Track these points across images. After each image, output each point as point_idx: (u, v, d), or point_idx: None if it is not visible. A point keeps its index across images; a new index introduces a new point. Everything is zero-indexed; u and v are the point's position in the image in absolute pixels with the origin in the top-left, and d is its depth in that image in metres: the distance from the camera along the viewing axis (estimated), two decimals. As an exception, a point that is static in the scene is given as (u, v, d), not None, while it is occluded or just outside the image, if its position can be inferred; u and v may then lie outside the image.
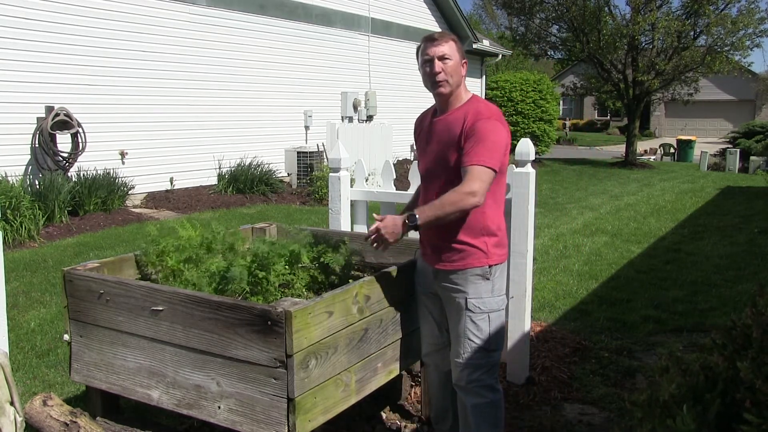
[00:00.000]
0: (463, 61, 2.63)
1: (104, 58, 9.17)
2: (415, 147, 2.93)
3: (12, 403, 2.53)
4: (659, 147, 24.84)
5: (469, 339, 2.58)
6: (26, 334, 4.51)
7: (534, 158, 3.54)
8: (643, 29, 17.01)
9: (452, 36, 2.65)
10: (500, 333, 2.67)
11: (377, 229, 2.51)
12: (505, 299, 2.71)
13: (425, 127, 2.74)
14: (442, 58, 2.55)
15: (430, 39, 2.60)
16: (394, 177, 4.11)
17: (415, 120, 2.89)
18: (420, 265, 2.81)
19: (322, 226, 6.51)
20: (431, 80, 2.58)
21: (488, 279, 2.58)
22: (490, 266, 2.58)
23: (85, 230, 7.89)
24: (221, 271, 2.71)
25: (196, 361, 2.39)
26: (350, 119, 13.08)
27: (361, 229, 4.21)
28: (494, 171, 2.46)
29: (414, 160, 3.65)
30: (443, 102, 2.64)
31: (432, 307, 2.78)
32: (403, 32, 15.32)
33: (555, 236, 8.10)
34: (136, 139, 9.70)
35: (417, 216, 2.45)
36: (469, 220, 2.55)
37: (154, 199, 9.88)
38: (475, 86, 17.91)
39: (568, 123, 37.44)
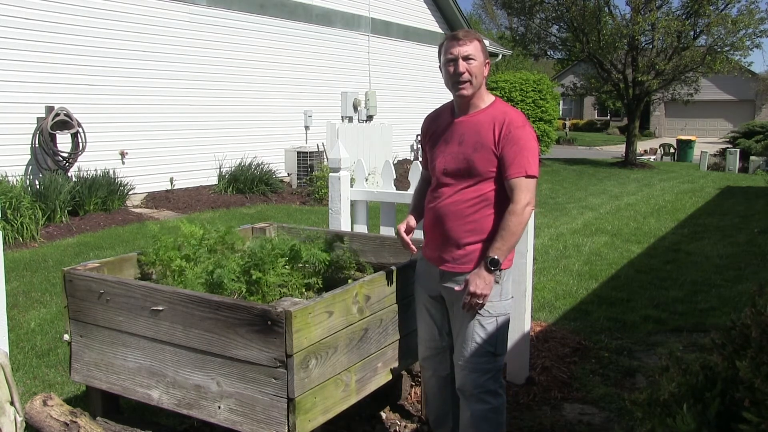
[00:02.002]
0: (487, 61, 2.58)
1: (104, 58, 9.17)
2: (422, 145, 2.83)
3: (12, 403, 2.54)
4: (659, 147, 24.85)
5: (477, 343, 2.54)
6: (26, 334, 4.52)
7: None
8: (643, 29, 17.01)
9: (477, 35, 2.58)
10: (506, 337, 2.64)
11: (473, 295, 2.47)
12: (512, 304, 2.66)
13: (442, 127, 2.67)
14: (466, 59, 2.50)
15: (454, 38, 2.54)
16: (394, 177, 4.11)
17: (424, 118, 2.82)
18: (422, 267, 2.76)
19: (322, 226, 6.51)
20: (453, 80, 2.53)
21: (498, 283, 2.55)
22: (500, 270, 2.54)
23: (85, 230, 7.90)
24: (211, 272, 2.70)
25: (196, 361, 2.40)
26: (350, 119, 13.09)
27: (362, 229, 4.21)
28: (536, 177, 2.50)
29: (414, 160, 3.56)
30: (464, 103, 2.59)
31: (433, 311, 2.73)
32: (403, 32, 15.32)
33: (555, 236, 8.10)
34: (136, 139, 9.70)
35: (497, 258, 2.44)
36: (481, 223, 2.52)
37: (154, 199, 9.88)
38: (475, 86, 17.85)
39: (568, 123, 37.42)
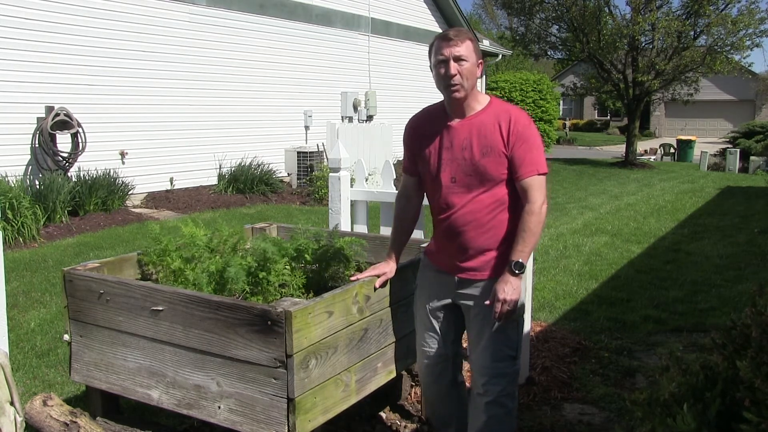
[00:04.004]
0: (480, 61, 2.50)
1: (104, 58, 9.17)
2: (409, 149, 2.71)
3: (12, 403, 2.54)
4: (659, 147, 24.85)
5: (498, 348, 2.52)
6: (26, 334, 4.52)
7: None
8: (643, 29, 17.01)
9: (469, 35, 2.49)
10: (522, 339, 2.63)
11: (503, 302, 2.40)
12: (525, 305, 2.64)
13: (438, 131, 2.56)
14: (458, 60, 2.41)
15: (445, 38, 2.44)
16: (394, 177, 4.11)
17: (411, 119, 2.72)
18: (430, 275, 2.69)
19: (322, 226, 6.51)
20: (444, 83, 2.45)
21: None
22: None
23: (85, 230, 7.90)
24: (220, 271, 2.71)
25: (196, 361, 2.40)
26: (350, 119, 13.08)
27: (361, 229, 4.21)
28: (546, 174, 2.49)
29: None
30: (459, 106, 2.50)
31: (440, 319, 2.67)
32: (403, 32, 15.32)
33: (555, 236, 8.10)
34: (136, 139, 9.70)
35: (521, 261, 2.41)
36: (500, 228, 2.49)
37: (154, 199, 9.89)
38: (475, 86, 17.86)
39: (568, 123, 37.44)
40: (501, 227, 2.49)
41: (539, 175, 2.44)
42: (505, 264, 2.46)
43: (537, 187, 2.43)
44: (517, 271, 2.41)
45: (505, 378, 2.54)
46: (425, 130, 2.62)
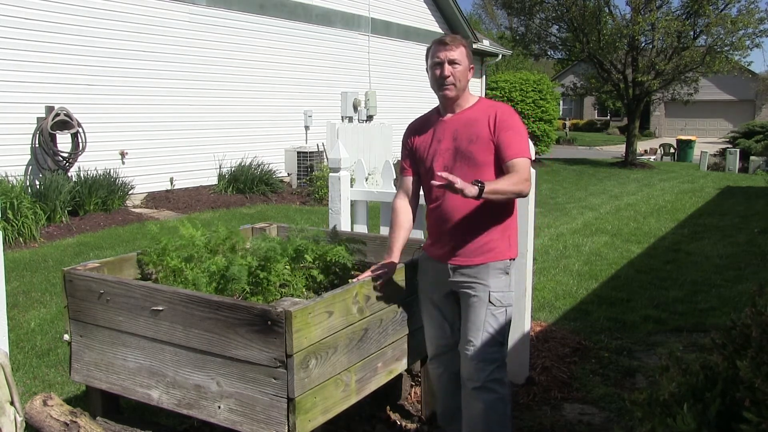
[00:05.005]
0: (471, 66, 2.72)
1: (104, 58, 9.17)
2: (408, 150, 2.83)
3: (12, 403, 2.54)
4: (659, 147, 24.84)
5: (488, 333, 2.61)
6: (26, 334, 4.52)
7: (534, 158, 3.53)
8: (643, 29, 17.00)
9: (463, 41, 2.71)
10: (509, 328, 2.73)
11: (454, 181, 2.28)
12: (512, 295, 2.74)
13: (432, 128, 2.75)
14: (452, 63, 2.63)
15: (441, 42, 2.66)
16: (394, 177, 4.11)
17: (410, 123, 2.89)
18: (429, 267, 2.79)
19: (322, 226, 6.51)
20: (438, 83, 2.66)
21: (507, 273, 2.66)
22: (511, 259, 2.67)
23: (85, 230, 7.90)
24: (221, 271, 2.71)
25: (196, 361, 2.40)
26: (350, 119, 13.08)
27: (361, 229, 4.21)
28: (531, 161, 2.63)
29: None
30: (450, 104, 2.71)
31: (444, 308, 2.77)
32: (403, 32, 15.32)
33: (555, 236, 8.10)
34: (136, 139, 9.70)
35: (485, 186, 2.37)
36: (498, 215, 2.62)
37: (154, 199, 9.88)
38: (475, 86, 17.89)
39: (568, 123, 37.41)
40: (488, 214, 2.60)
41: (525, 158, 2.58)
42: (494, 250, 2.61)
43: (524, 167, 2.57)
44: (477, 185, 2.35)
45: (492, 364, 2.63)
46: (421, 130, 2.82)
